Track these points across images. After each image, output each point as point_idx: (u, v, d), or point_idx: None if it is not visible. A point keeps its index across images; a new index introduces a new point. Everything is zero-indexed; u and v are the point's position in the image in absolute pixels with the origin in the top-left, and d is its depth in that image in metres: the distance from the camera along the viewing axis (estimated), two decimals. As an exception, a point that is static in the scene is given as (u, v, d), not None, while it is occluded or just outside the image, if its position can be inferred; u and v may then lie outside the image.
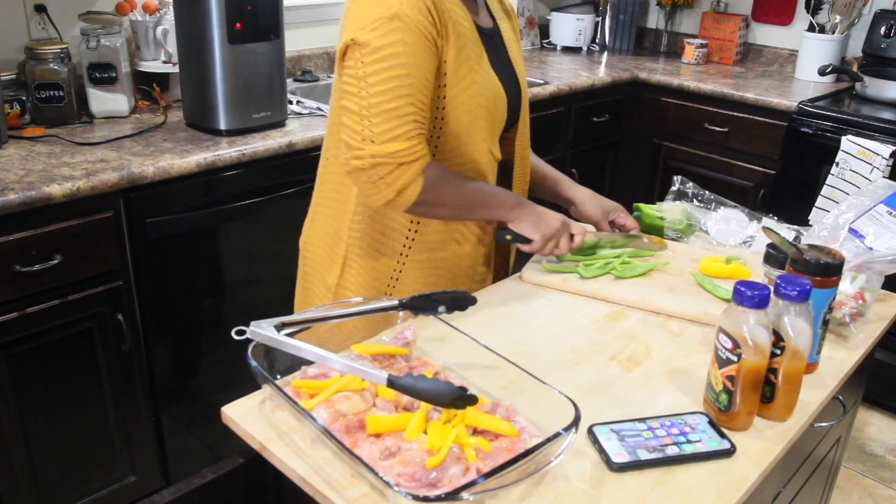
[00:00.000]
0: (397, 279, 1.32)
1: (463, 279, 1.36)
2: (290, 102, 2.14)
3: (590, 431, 0.94)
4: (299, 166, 1.97)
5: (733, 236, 1.53)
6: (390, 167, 1.12)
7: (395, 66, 1.10)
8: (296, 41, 2.60)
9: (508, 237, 1.29)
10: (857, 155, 2.43)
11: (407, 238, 1.30)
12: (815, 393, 1.06)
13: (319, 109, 2.18)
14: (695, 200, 1.63)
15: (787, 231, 1.45)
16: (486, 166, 1.29)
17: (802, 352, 0.95)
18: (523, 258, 1.40)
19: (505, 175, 1.38)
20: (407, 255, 1.31)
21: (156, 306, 1.84)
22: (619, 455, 0.90)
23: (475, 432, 0.90)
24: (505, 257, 1.49)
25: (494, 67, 1.28)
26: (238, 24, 1.86)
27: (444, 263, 1.33)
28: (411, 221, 1.29)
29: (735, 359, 0.93)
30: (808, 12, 3.03)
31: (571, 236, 1.32)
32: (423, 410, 0.90)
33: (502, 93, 1.27)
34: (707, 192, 1.64)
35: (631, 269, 1.34)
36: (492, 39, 1.31)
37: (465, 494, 0.76)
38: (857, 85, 2.77)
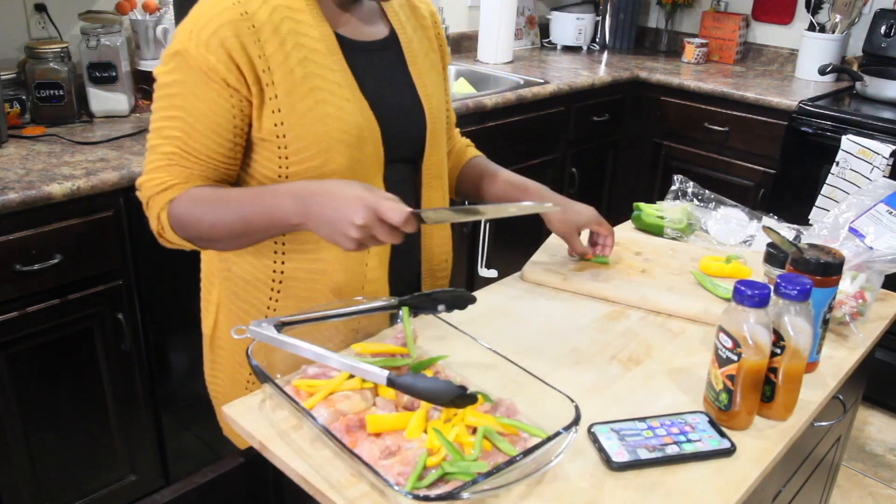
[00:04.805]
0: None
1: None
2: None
3: (590, 431, 0.94)
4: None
5: (733, 236, 1.53)
6: (145, 199, 1.08)
7: (168, 107, 1.04)
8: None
9: None
10: (857, 154, 2.43)
11: (272, 289, 1.16)
12: (815, 392, 1.06)
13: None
14: (695, 200, 1.63)
15: (787, 230, 1.45)
16: None
17: (802, 351, 0.95)
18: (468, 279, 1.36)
19: None
20: (275, 310, 1.17)
21: (156, 306, 1.83)
22: (620, 454, 0.90)
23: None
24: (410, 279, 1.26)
25: (367, 92, 1.09)
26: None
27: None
28: (273, 271, 1.14)
29: (735, 358, 0.93)
30: (808, 11, 3.03)
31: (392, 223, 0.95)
32: (424, 410, 0.90)
33: (372, 123, 1.09)
34: (707, 191, 1.64)
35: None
36: (375, 54, 1.13)
37: (465, 494, 0.76)
38: (858, 84, 2.76)
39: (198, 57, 1.00)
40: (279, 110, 1.04)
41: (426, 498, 0.76)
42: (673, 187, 1.66)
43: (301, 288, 1.15)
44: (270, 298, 1.16)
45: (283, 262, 1.14)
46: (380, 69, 1.13)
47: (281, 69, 1.03)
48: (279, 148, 1.06)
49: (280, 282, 1.15)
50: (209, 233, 1.05)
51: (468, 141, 1.44)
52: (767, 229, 1.13)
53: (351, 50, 1.10)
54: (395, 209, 0.92)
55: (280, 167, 1.07)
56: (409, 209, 0.93)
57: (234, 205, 1.03)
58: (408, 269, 1.24)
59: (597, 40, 3.51)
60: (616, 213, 3.10)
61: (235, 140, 1.06)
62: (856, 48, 3.03)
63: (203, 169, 1.06)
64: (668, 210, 1.56)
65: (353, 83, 1.08)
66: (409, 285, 1.24)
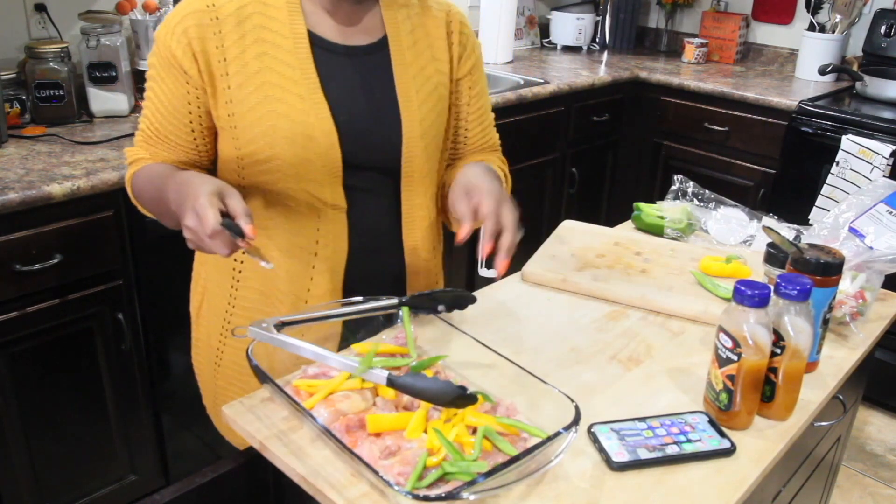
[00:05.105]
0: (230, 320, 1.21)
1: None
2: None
3: (590, 431, 0.94)
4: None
5: (733, 235, 1.53)
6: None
7: (148, 88, 1.12)
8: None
9: None
10: (857, 154, 2.43)
11: (234, 277, 1.19)
12: (815, 392, 1.06)
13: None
14: (695, 200, 1.63)
15: (787, 230, 1.45)
16: (308, 214, 1.12)
17: (803, 351, 0.95)
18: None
19: (390, 233, 1.19)
20: (235, 298, 1.20)
21: (156, 306, 1.83)
22: (620, 454, 0.90)
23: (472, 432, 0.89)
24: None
25: (330, 93, 1.08)
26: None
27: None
28: (234, 259, 1.18)
29: (735, 358, 0.93)
30: (808, 11, 3.03)
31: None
32: (424, 410, 0.90)
33: (327, 125, 1.07)
34: (707, 191, 1.64)
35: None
36: (355, 58, 1.12)
37: (465, 494, 0.76)
38: (858, 84, 2.76)
39: (164, 43, 1.07)
40: (231, 101, 1.07)
41: (426, 498, 0.76)
42: (673, 187, 1.66)
43: (257, 280, 1.17)
44: (232, 287, 1.20)
45: (242, 251, 1.14)
46: (356, 73, 1.12)
47: (237, 62, 1.06)
48: (233, 139, 1.09)
49: (240, 271, 1.19)
50: (146, 206, 1.15)
51: (498, 157, 1.34)
52: (767, 229, 1.13)
53: (324, 50, 1.09)
54: (208, 217, 0.89)
55: (237, 157, 1.10)
56: (218, 223, 0.89)
57: (155, 184, 1.08)
58: (384, 287, 1.19)
59: (597, 40, 3.51)
60: (616, 213, 3.11)
61: (192, 126, 1.10)
62: (856, 48, 3.03)
63: (166, 148, 1.12)
64: (668, 210, 1.56)
65: (314, 83, 1.07)
66: None
